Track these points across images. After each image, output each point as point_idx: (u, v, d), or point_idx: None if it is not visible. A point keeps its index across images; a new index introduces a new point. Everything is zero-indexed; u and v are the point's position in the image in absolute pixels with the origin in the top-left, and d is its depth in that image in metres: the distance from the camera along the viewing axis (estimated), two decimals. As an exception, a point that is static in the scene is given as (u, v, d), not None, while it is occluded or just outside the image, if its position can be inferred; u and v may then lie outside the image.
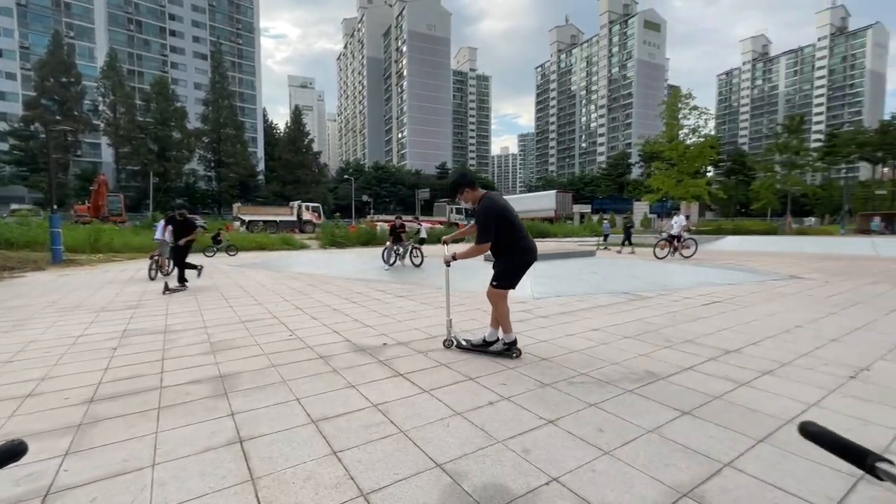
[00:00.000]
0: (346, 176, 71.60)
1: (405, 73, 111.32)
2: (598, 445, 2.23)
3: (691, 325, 4.83)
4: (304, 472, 2.02)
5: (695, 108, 29.11)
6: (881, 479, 0.55)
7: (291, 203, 37.78)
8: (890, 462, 0.56)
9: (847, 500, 1.79)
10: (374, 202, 66.91)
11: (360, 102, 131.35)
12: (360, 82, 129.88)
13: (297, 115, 63.60)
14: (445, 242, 3.89)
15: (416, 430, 2.39)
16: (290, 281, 8.67)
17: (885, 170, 59.52)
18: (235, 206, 35.78)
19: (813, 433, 0.63)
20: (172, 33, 74.13)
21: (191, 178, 58.23)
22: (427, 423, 2.48)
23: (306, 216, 35.55)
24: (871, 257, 13.97)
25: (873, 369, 3.36)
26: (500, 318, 3.62)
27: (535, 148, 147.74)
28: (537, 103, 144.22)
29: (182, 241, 7.62)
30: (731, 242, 19.98)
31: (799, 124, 40.39)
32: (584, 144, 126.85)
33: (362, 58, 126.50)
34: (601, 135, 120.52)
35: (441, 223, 34.46)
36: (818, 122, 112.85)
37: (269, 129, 78.06)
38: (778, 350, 3.86)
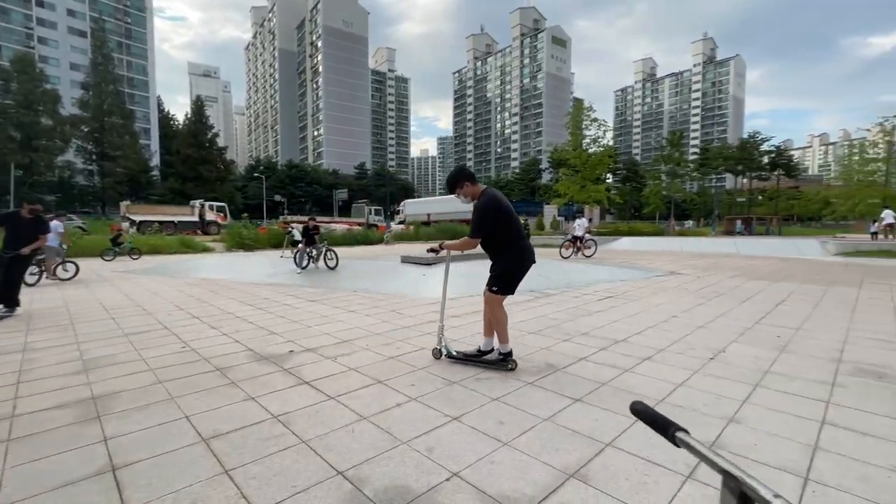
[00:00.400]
0: (256, 174, 67.04)
1: (321, 69, 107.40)
2: (499, 437, 2.34)
3: (588, 318, 5.27)
4: (189, 496, 1.86)
5: (595, 119, 31.88)
6: (678, 447, 0.65)
7: (192, 202, 34.47)
8: (686, 432, 0.66)
9: (701, 466, 2.08)
10: (287, 202, 63.51)
11: (271, 97, 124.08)
12: (271, 75, 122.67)
13: (198, 105, 58.05)
14: (440, 248, 3.57)
15: (318, 439, 2.32)
16: (188, 288, 7.91)
17: (745, 180, 70.28)
18: (123, 204, 31.73)
19: (637, 411, 0.71)
20: (40, 3, 63.84)
21: (66, 171, 50.49)
22: (331, 431, 2.41)
23: (210, 216, 32.67)
24: (733, 255, 16.36)
25: (728, 351, 3.93)
26: (498, 326, 3.41)
27: (454, 151, 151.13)
28: (455, 107, 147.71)
29: (26, 250, 5.69)
30: (625, 243, 22.14)
31: (679, 139, 46.10)
32: (499, 149, 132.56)
33: (274, 49, 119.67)
34: (514, 141, 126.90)
35: (360, 225, 33.73)
36: (695, 138, 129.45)
37: (165, 119, 70.45)
38: (657, 338, 4.36)
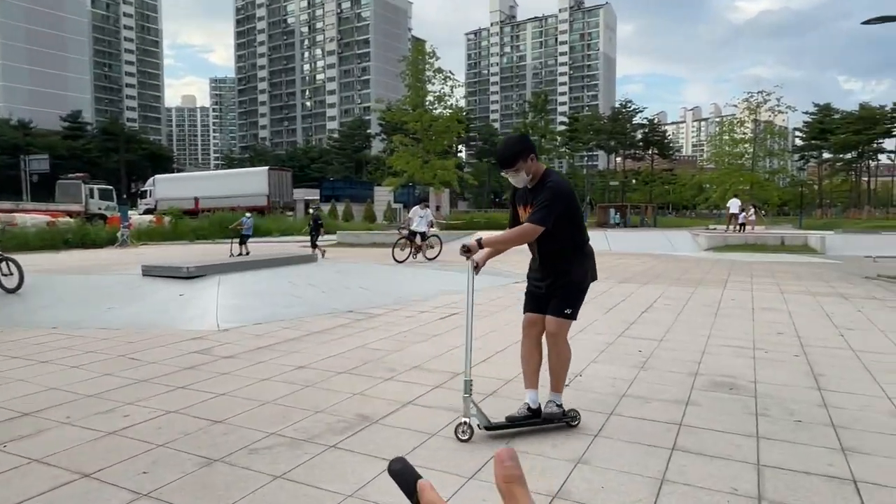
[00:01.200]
0: None
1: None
2: (278, 534, 2.31)
3: (422, 346, 5.57)
4: None
5: (440, 70, 33.75)
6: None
7: None
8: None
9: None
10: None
11: None
12: None
13: None
14: (479, 245, 3.34)
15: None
16: None
17: (618, 159, 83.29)
18: None
19: (394, 471, 0.77)
20: None
21: None
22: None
23: None
24: (604, 252, 19.16)
25: (585, 374, 4.60)
26: (563, 367, 3.47)
27: (238, 102, 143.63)
28: (238, 35, 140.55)
29: None
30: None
31: (544, 103, 52.16)
32: (308, 103, 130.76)
33: None
34: (331, 92, 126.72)
35: (72, 214, 29.33)
36: (562, 103, 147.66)
37: None
38: (506, 365, 4.84)
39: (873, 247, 17.92)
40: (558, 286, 3.40)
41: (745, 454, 3.07)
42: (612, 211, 47.34)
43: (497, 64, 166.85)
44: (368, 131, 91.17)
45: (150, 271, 9.17)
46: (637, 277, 11.57)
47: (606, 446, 3.17)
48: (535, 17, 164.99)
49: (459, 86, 36.02)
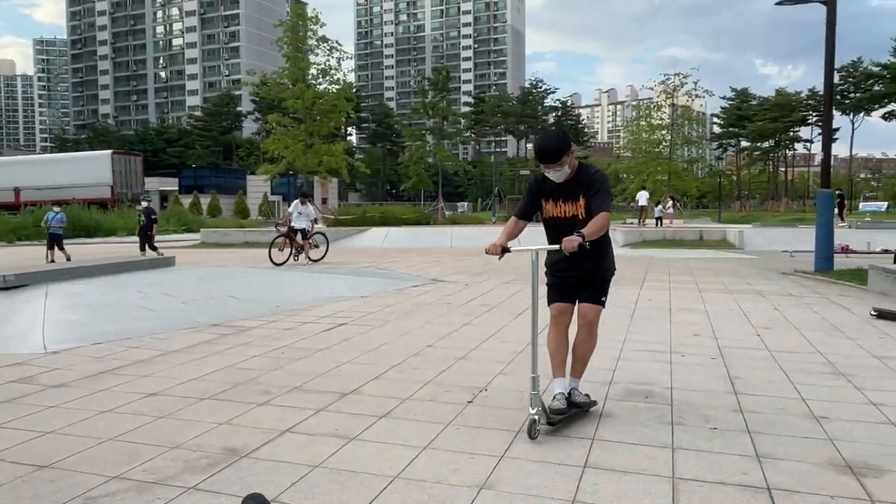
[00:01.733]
0: None
1: None
2: None
3: (304, 363, 5.49)
4: None
5: (325, 39, 33.21)
6: None
7: None
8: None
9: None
10: None
11: None
12: None
13: None
14: (585, 243, 3.62)
15: None
16: None
17: (529, 146, 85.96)
18: None
19: None
20: None
21: None
22: None
23: None
24: (515, 251, 19.72)
25: (491, 388, 4.71)
26: (591, 354, 4.22)
27: (72, 70, 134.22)
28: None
29: None
30: (375, 236, 24.01)
31: (446, 80, 52.71)
32: (163, 74, 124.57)
33: None
34: (192, 61, 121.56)
35: None
36: (467, 81, 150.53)
37: None
38: (402, 382, 4.87)
39: (790, 241, 19.67)
40: (595, 275, 4.10)
41: (660, 467, 3.26)
42: (523, 204, 48.73)
43: (392, 34, 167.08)
44: (239, 109, 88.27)
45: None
46: (549, 278, 12.00)
47: (513, 468, 3.26)
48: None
49: (348, 58, 35.76)
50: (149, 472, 3.23)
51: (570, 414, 3.93)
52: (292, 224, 15.13)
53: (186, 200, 45.99)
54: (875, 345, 6.26)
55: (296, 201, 15.48)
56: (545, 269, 4.20)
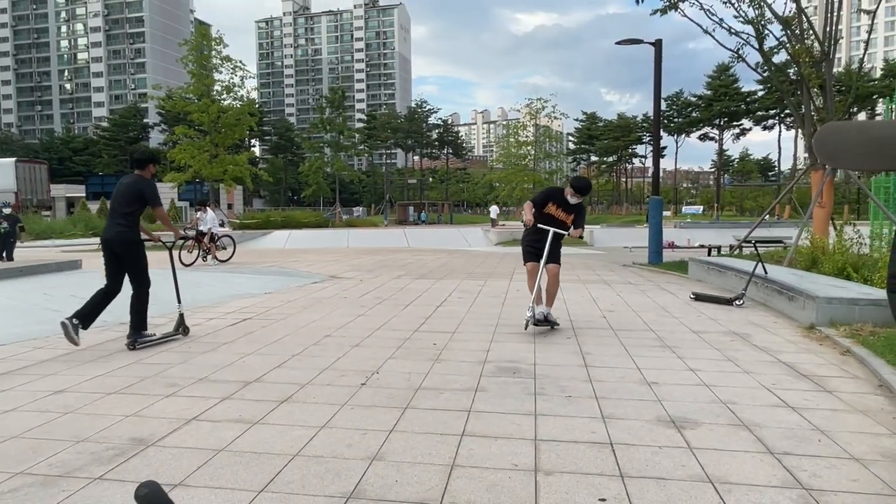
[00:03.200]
0: None
1: None
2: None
3: (209, 356, 5.23)
4: None
5: (229, 59, 31.86)
6: None
7: None
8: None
9: (333, 527, 2.37)
10: None
11: None
12: None
13: None
14: (578, 236, 6.44)
15: None
16: None
17: (416, 157, 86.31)
18: None
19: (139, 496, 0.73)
20: None
21: None
22: None
23: None
24: (403, 248, 19.75)
25: (382, 371, 4.69)
26: (557, 292, 6.59)
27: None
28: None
29: None
30: (278, 238, 23.27)
31: (341, 99, 51.94)
32: (68, 86, 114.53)
33: None
34: (97, 74, 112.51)
35: None
36: (360, 100, 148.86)
37: None
38: (302, 369, 4.75)
39: (629, 238, 20.98)
40: (558, 251, 6.28)
41: (525, 432, 3.38)
42: (410, 209, 48.84)
43: (291, 56, 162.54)
44: (145, 121, 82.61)
45: None
46: (434, 273, 12.12)
47: (401, 440, 3.27)
48: (331, 11, 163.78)
49: (251, 76, 34.45)
50: (54, 466, 2.98)
51: (547, 325, 6.15)
52: (199, 228, 14.44)
53: (94, 206, 42.57)
54: (693, 322, 6.79)
55: (207, 213, 14.78)
56: (525, 242, 6.46)
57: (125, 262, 5.60)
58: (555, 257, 6.15)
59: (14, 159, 40.21)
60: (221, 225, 15.16)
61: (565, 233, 6.04)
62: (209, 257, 14.38)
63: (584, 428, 3.44)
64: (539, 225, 5.98)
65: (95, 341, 5.90)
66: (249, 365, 4.91)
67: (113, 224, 5.54)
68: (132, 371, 4.75)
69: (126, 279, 5.71)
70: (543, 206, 6.11)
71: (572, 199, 6.01)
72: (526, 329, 6.00)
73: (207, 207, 15.17)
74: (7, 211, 15.75)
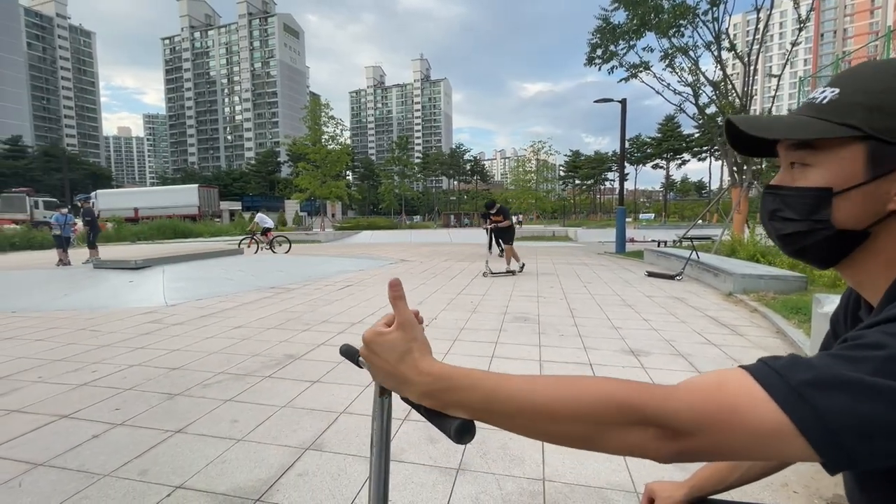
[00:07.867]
0: None
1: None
2: (232, 436, 2.24)
3: (328, 307, 5.49)
4: None
5: (332, 117, 32.49)
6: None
7: None
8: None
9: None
10: None
11: None
12: None
13: None
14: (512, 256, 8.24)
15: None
16: None
17: (455, 182, 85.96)
18: None
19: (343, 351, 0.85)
20: None
21: None
22: (-22, 496, 1.78)
23: None
24: (447, 243, 19.84)
25: (439, 318, 4.86)
26: (512, 257, 8.37)
27: (169, 134, 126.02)
28: (168, 81, 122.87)
29: None
30: (364, 236, 23.68)
31: (406, 143, 52.17)
32: (229, 136, 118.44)
33: None
34: (248, 129, 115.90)
35: (15, 222, 24.11)
36: (418, 144, 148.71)
37: None
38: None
39: (602, 236, 20.53)
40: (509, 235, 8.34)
41: (532, 356, 3.50)
42: (451, 216, 48.59)
43: (372, 115, 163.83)
44: (279, 159, 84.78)
45: (101, 264, 7.92)
46: (469, 258, 12.22)
47: (451, 359, 3.43)
48: (398, 84, 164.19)
49: (346, 129, 34.95)
50: (241, 369, 3.25)
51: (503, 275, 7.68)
52: (262, 226, 14.51)
53: (247, 215, 44.24)
54: (647, 289, 6.72)
55: (259, 213, 14.86)
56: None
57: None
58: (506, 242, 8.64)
59: (197, 185, 41.85)
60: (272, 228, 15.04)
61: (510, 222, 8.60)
62: (272, 248, 14.05)
63: (572, 355, 3.52)
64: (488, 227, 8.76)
65: (256, 298, 6.21)
66: (353, 313, 5.14)
67: None
68: (281, 316, 5.04)
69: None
70: (486, 218, 8.71)
71: (492, 211, 8.63)
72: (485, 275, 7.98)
73: (259, 213, 15.18)
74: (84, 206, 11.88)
